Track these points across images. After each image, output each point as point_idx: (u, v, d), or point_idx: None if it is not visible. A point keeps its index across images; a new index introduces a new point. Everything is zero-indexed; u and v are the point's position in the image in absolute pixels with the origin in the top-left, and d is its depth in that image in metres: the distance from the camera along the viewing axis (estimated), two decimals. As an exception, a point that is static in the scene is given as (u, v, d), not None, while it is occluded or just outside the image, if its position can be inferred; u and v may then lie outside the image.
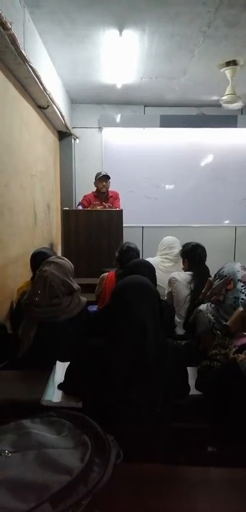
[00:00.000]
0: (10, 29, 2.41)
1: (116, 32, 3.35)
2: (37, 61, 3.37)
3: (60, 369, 1.71)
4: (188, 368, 1.55)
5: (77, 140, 5.85)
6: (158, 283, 2.48)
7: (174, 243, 3.57)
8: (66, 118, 4.93)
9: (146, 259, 2.77)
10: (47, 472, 0.91)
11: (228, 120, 5.79)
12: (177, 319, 2.79)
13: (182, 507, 1.03)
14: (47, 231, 4.78)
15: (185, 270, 3.03)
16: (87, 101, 5.66)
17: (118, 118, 5.79)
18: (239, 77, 4.22)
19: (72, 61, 4.10)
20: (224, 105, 4.35)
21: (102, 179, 4.76)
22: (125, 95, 5.28)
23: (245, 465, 1.19)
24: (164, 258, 3.52)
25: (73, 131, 5.65)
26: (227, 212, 6.17)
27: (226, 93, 4.25)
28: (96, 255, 4.24)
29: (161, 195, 6.06)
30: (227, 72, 4.09)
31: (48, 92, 3.70)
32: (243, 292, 1.95)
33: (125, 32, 3.36)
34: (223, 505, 1.06)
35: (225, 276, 2.03)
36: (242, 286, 1.97)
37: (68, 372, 1.54)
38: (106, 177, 4.76)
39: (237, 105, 4.37)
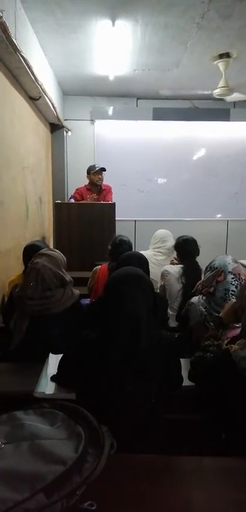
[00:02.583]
0: (1, 17, 2.37)
1: (108, 22, 3.32)
2: (28, 51, 3.32)
3: (53, 361, 1.71)
4: (181, 359, 1.55)
5: (69, 132, 5.80)
6: (150, 276, 2.48)
7: (166, 236, 3.57)
8: (58, 110, 4.88)
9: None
10: (41, 463, 0.91)
11: (221, 113, 5.79)
12: (169, 312, 2.80)
13: (175, 496, 1.04)
14: (39, 224, 4.75)
15: (178, 262, 3.04)
16: (79, 92, 5.60)
17: (110, 110, 5.75)
18: (232, 70, 4.22)
19: (64, 51, 4.05)
20: (218, 97, 4.35)
21: (98, 172, 4.73)
22: (118, 87, 5.25)
23: (239, 454, 1.20)
24: (157, 252, 3.52)
25: (65, 123, 5.60)
26: (219, 206, 6.19)
27: (219, 85, 4.24)
28: (89, 249, 4.23)
29: (153, 188, 6.05)
30: (220, 64, 4.08)
31: (40, 83, 3.66)
32: (234, 284, 1.96)
33: (118, 22, 3.32)
34: (216, 493, 1.06)
35: (216, 268, 2.03)
36: (233, 278, 1.98)
37: (61, 364, 1.54)
38: (102, 170, 4.74)
39: (230, 98, 4.37)
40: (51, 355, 1.79)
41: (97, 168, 4.73)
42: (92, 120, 5.82)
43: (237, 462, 1.18)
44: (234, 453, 1.22)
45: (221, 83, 4.22)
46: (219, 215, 6.23)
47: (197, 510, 1.00)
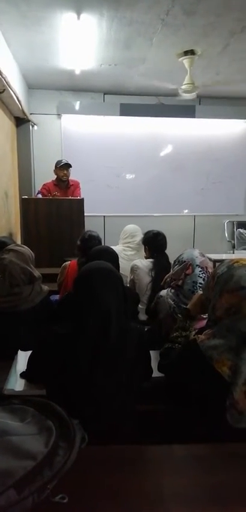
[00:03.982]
0: None
1: (73, 15, 3.28)
2: (-9, 42, 3.23)
3: (22, 358, 1.68)
4: (151, 351, 1.58)
5: (35, 127, 5.70)
6: (120, 271, 2.49)
7: (136, 231, 3.60)
8: (23, 103, 4.78)
9: (108, 246, 2.77)
10: (11, 459, 0.90)
11: (186, 110, 5.89)
12: (139, 305, 2.83)
13: (147, 484, 1.05)
14: (6, 220, 4.64)
15: (147, 257, 3.07)
16: (45, 86, 5.51)
17: (77, 105, 5.70)
18: (196, 67, 4.30)
19: (28, 44, 3.97)
20: (182, 94, 4.41)
21: (64, 167, 4.68)
22: (84, 82, 5.21)
23: (208, 441, 1.24)
24: (126, 247, 3.54)
25: (31, 117, 5.49)
26: (186, 202, 6.31)
27: (184, 82, 4.31)
28: (58, 244, 4.18)
29: (122, 184, 6.07)
30: (185, 61, 4.14)
31: (4, 75, 3.56)
32: (201, 277, 2.01)
33: (83, 16, 3.30)
34: (187, 479, 1.09)
35: (185, 261, 2.08)
36: (200, 271, 2.03)
37: (31, 360, 1.52)
38: (67, 166, 4.69)
39: (193, 94, 4.45)
40: (20, 352, 1.76)
41: (62, 163, 4.68)
42: (59, 115, 5.75)
43: (207, 448, 1.22)
44: (204, 440, 1.25)
45: (186, 80, 4.28)
46: (186, 210, 6.35)
47: (169, 496, 1.02)
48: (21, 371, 1.59)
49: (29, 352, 1.56)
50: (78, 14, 3.27)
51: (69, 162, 4.72)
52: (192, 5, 3.09)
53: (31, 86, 5.52)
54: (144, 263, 2.97)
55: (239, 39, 3.77)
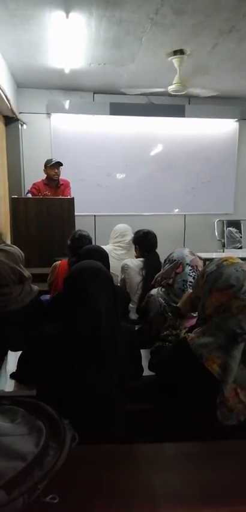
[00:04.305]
0: None
1: (62, 14, 3.27)
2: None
3: (12, 358, 1.67)
4: (142, 350, 1.58)
5: (25, 126, 5.65)
6: (111, 270, 2.49)
7: (126, 230, 3.60)
8: (12, 102, 4.74)
9: (98, 246, 2.76)
10: (1, 460, 0.89)
11: (176, 109, 5.90)
12: (130, 305, 2.83)
13: (138, 482, 1.06)
14: (-5, 220, 4.60)
15: (137, 256, 3.08)
16: (34, 85, 5.47)
17: (67, 104, 5.67)
18: (186, 67, 4.32)
19: (17, 43, 3.93)
20: (172, 93, 4.43)
21: (54, 166, 4.66)
22: (74, 81, 5.19)
23: (198, 439, 1.24)
24: (117, 246, 3.54)
25: (20, 116, 5.45)
26: (176, 201, 6.33)
27: (174, 82, 4.32)
28: (48, 244, 4.16)
29: (112, 183, 6.06)
30: (175, 61, 4.15)
31: (-8, 74, 3.53)
32: (191, 276, 2.03)
33: (72, 14, 3.28)
34: (177, 476, 1.10)
35: (175, 260, 2.09)
36: (190, 269, 2.04)
37: (21, 361, 1.51)
38: (58, 164, 4.67)
39: (187, 90, 4.45)
40: (10, 353, 1.76)
41: (53, 162, 4.66)
42: (48, 114, 5.71)
43: (198, 446, 1.23)
44: (194, 438, 1.26)
45: (176, 79, 4.30)
46: (176, 210, 6.37)
47: (161, 495, 1.02)
48: (11, 372, 1.58)
49: (19, 353, 1.55)
50: (67, 13, 3.26)
51: (59, 161, 4.70)
52: (181, 5, 3.10)
53: (20, 85, 5.48)
54: (134, 262, 2.97)
55: (227, 39, 3.79)
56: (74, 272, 1.43)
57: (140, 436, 1.51)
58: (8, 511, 0.83)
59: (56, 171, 4.68)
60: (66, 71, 4.65)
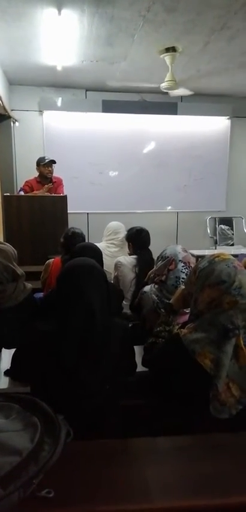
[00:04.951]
0: None
1: (54, 11, 3.25)
2: None
3: (6, 356, 1.68)
4: (135, 346, 1.60)
5: (17, 123, 5.62)
6: (104, 268, 2.50)
7: (119, 228, 3.61)
8: (4, 99, 4.71)
9: (91, 243, 2.77)
10: (-4, 455, 0.90)
11: (168, 107, 5.91)
12: (123, 301, 2.85)
13: (132, 476, 1.07)
14: (-13, 218, 4.57)
15: (130, 253, 3.09)
16: (26, 82, 5.44)
17: (59, 101, 5.65)
18: (178, 64, 4.33)
19: (9, 40, 3.91)
20: (165, 91, 4.44)
21: (48, 164, 4.65)
22: (66, 78, 5.17)
23: (191, 432, 1.26)
24: (110, 243, 3.56)
25: (12, 113, 5.41)
26: (169, 198, 6.35)
27: (166, 79, 4.33)
28: (41, 242, 4.16)
29: (105, 181, 6.06)
30: (167, 58, 4.16)
31: (-17, 71, 3.51)
32: (184, 272, 2.04)
33: (64, 11, 3.27)
34: (171, 468, 1.12)
35: (168, 257, 2.10)
36: (183, 266, 2.06)
37: (15, 358, 1.51)
38: (52, 162, 4.66)
39: (178, 91, 4.47)
40: (4, 350, 1.76)
41: (47, 161, 4.64)
42: (41, 111, 5.69)
43: (189, 439, 1.25)
44: (187, 432, 1.28)
45: (168, 77, 4.30)
46: (169, 207, 6.40)
47: (156, 488, 1.04)
48: (5, 369, 1.59)
49: (13, 350, 1.56)
50: (59, 10, 3.25)
51: (53, 159, 4.69)
52: (172, 2, 3.10)
53: (12, 82, 5.45)
54: (127, 259, 2.99)
55: (219, 37, 3.81)
56: (68, 269, 1.43)
57: (134, 431, 1.53)
58: (4, 505, 0.84)
59: (50, 169, 4.67)
60: (59, 68, 4.64)
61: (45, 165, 4.64)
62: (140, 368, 1.62)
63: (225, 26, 3.57)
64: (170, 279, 2.06)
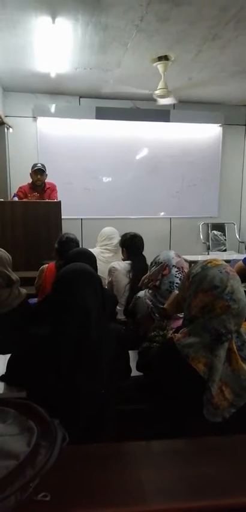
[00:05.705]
0: None
1: (48, 19, 3.29)
2: None
3: (1, 361, 1.68)
4: (130, 351, 1.61)
5: (11, 129, 5.63)
6: (98, 273, 2.51)
7: (113, 234, 3.63)
8: (-2, 106, 4.73)
9: (85, 249, 2.78)
10: (-7, 460, 0.91)
11: (161, 114, 5.97)
12: (118, 307, 2.86)
13: (127, 479, 1.08)
14: (-19, 224, 4.55)
15: (124, 259, 3.11)
16: (20, 89, 5.47)
17: (53, 108, 5.68)
18: (170, 72, 4.38)
19: (3, 47, 3.93)
20: (157, 99, 4.49)
21: (37, 172, 4.66)
22: (60, 85, 5.21)
23: (185, 436, 1.28)
24: (104, 249, 3.57)
25: (6, 120, 5.42)
26: (162, 204, 6.40)
27: (158, 87, 4.39)
28: (35, 247, 4.16)
29: (99, 187, 6.09)
30: (159, 66, 4.22)
31: (-22, 78, 3.52)
32: (178, 277, 2.07)
33: (58, 20, 3.31)
34: (165, 472, 1.13)
35: (161, 262, 2.12)
36: (177, 271, 2.08)
37: (10, 363, 1.52)
38: (41, 171, 4.67)
39: (169, 99, 4.53)
40: (-1, 356, 1.76)
41: (35, 168, 4.66)
42: (35, 117, 5.72)
43: (183, 443, 1.26)
44: (182, 435, 1.29)
45: (160, 85, 4.36)
46: (162, 213, 6.45)
47: (151, 491, 1.05)
48: (1, 374, 1.59)
49: (8, 356, 1.56)
50: (53, 18, 3.28)
51: (43, 168, 4.69)
52: (165, 12, 3.16)
53: (6, 89, 5.47)
54: (121, 265, 3.00)
55: (210, 46, 3.88)
56: (63, 274, 1.44)
57: (129, 436, 1.53)
58: (1, 509, 0.85)
59: (39, 177, 4.69)
60: (53, 75, 4.67)
61: (34, 173, 4.66)
62: (134, 372, 1.63)
63: (216, 36, 3.63)
64: (163, 284, 2.08)
